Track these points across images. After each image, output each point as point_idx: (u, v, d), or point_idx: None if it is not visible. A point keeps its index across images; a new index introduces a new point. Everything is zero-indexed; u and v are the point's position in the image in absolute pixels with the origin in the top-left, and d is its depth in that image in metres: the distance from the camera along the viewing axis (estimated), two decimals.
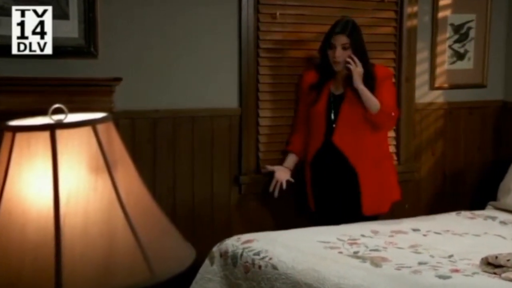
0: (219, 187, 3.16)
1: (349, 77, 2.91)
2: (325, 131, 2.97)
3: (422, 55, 3.63)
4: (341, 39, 2.88)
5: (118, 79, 2.50)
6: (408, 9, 3.52)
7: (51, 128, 1.00)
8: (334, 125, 2.95)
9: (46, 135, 1.00)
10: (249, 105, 3.20)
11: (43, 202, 0.98)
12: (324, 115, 2.97)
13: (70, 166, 1.00)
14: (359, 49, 2.91)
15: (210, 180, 3.14)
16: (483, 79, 3.80)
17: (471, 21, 3.71)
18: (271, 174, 3.11)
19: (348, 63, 2.87)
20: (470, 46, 3.72)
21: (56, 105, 1.05)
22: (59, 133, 1.00)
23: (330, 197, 3.02)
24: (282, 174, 3.05)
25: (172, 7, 3.01)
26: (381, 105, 2.87)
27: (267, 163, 3.27)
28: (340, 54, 2.88)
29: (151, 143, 3.00)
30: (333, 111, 2.96)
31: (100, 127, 1.04)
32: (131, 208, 1.05)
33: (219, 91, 3.14)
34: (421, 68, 3.64)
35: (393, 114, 2.96)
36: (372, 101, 2.86)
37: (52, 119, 1.04)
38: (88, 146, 1.02)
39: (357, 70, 2.85)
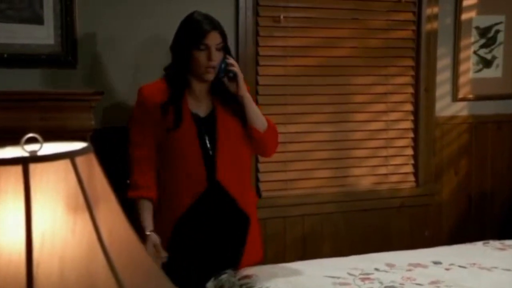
0: None
1: (215, 89, 2.50)
2: (205, 167, 2.44)
3: (444, 62, 3.65)
4: (216, 38, 2.42)
5: (99, 93, 2.51)
6: (428, 10, 3.55)
7: (24, 162, 1.00)
8: (212, 158, 2.45)
9: (18, 169, 0.99)
10: None
11: (14, 246, 0.98)
12: (197, 145, 2.44)
13: (45, 205, 1.00)
14: (229, 51, 2.51)
15: None
16: None
17: (500, 23, 3.73)
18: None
19: (231, 66, 2.45)
20: (498, 51, 3.75)
21: (30, 135, 1.05)
22: (33, 168, 1.00)
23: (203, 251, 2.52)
24: (157, 251, 2.39)
25: (162, 10, 3.03)
26: (267, 119, 2.55)
27: (268, 185, 3.30)
28: (217, 57, 2.43)
29: None
30: (207, 138, 2.47)
31: (79, 160, 1.04)
32: (114, 252, 1.05)
33: None
34: (442, 77, 3.66)
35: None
36: (260, 115, 2.50)
37: (25, 150, 1.05)
38: (65, 182, 1.02)
39: (242, 74, 2.48)
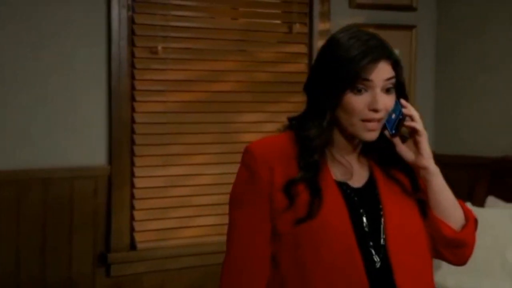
0: (80, 268, 3.08)
1: (370, 147, 1.68)
2: (367, 277, 1.57)
3: None
4: (385, 72, 1.58)
5: None
6: (319, 43, 3.62)
7: None
8: (377, 259, 1.60)
9: None
10: (121, 162, 3.16)
11: None
12: (352, 240, 1.58)
13: None
14: (404, 92, 1.66)
15: (68, 260, 3.06)
16: None
17: None
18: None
19: (410, 119, 1.63)
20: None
21: None
22: None
23: None
24: None
25: (22, 35, 2.95)
26: (464, 208, 1.73)
27: (145, 235, 3.23)
28: (385, 103, 1.58)
29: None
30: (367, 226, 1.62)
31: None
32: None
33: (81, 145, 3.10)
34: None
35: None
36: (455, 202, 1.70)
37: None
38: None
39: (425, 131, 1.65)
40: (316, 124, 1.60)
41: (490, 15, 3.74)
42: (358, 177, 1.65)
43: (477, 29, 3.79)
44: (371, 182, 1.65)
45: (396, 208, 1.63)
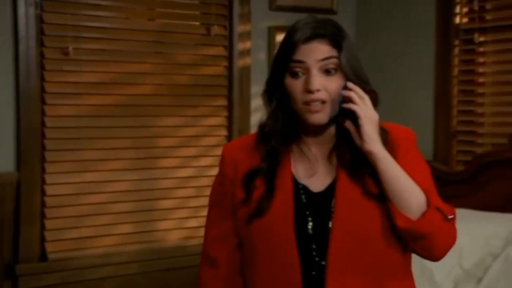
0: None
1: (342, 142, 1.61)
2: (302, 280, 1.56)
3: (258, 101, 3.66)
4: (318, 51, 1.54)
5: None
6: (240, 45, 3.58)
7: None
8: (321, 263, 1.56)
9: None
10: (30, 168, 3.04)
11: None
12: (293, 243, 1.56)
13: None
14: (356, 74, 1.58)
15: None
16: None
17: None
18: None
19: (349, 99, 1.55)
20: None
21: None
22: None
23: None
24: None
25: None
26: (428, 195, 1.55)
27: (57, 245, 3.11)
28: (319, 83, 1.54)
29: None
30: (311, 230, 1.58)
31: None
32: None
33: None
34: (258, 117, 3.67)
35: (451, 215, 1.57)
36: (410, 187, 1.54)
37: None
38: None
39: (369, 113, 1.55)
40: (268, 112, 1.63)
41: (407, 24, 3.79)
42: (322, 178, 1.61)
43: (398, 36, 3.84)
44: (333, 185, 1.59)
45: (350, 213, 1.55)
